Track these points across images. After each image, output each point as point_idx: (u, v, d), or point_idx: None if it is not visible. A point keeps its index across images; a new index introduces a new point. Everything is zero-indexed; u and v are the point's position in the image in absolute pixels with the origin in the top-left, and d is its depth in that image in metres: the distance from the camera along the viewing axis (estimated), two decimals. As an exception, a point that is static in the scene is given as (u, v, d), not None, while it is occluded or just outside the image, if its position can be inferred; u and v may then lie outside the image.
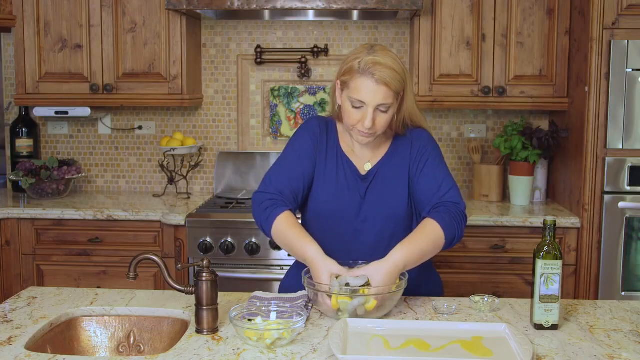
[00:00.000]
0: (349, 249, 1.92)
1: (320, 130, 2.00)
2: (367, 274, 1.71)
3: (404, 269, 1.75)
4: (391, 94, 1.82)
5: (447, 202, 1.88)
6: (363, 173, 1.97)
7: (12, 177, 3.39)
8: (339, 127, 2.02)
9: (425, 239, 1.81)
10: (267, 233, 1.89)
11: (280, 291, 2.10)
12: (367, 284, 1.71)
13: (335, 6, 3.01)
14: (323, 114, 2.07)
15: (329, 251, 1.87)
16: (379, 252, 1.88)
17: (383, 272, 1.71)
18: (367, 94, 1.81)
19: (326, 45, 3.56)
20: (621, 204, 2.89)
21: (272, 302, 1.72)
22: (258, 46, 3.57)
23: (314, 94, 3.56)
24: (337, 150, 1.99)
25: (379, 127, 1.86)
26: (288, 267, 2.96)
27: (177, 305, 1.82)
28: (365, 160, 1.99)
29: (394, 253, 1.75)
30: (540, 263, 1.66)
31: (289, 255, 2.96)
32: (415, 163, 1.95)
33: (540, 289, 1.66)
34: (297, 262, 2.10)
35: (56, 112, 3.41)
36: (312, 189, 1.98)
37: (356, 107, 1.84)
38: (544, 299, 1.67)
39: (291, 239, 1.83)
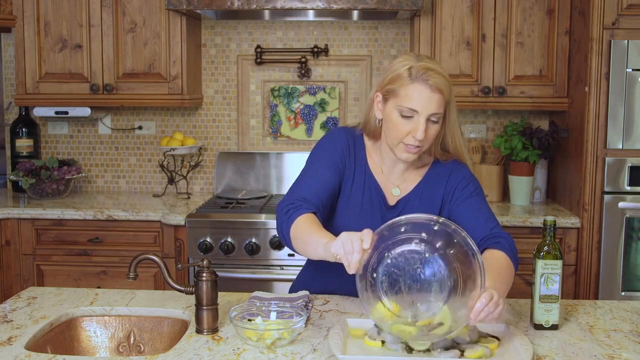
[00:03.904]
0: None
1: (348, 145, 1.86)
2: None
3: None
4: (443, 103, 1.71)
5: (498, 234, 1.77)
6: (391, 202, 1.85)
7: (12, 177, 3.39)
8: (367, 143, 1.88)
9: (503, 271, 1.66)
10: (285, 234, 1.71)
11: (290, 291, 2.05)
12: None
13: (335, 6, 3.01)
14: (350, 125, 1.94)
15: (343, 277, 1.84)
16: None
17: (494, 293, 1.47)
18: (420, 101, 1.68)
19: (326, 45, 3.56)
20: (621, 204, 2.88)
21: (272, 302, 1.72)
22: (258, 46, 3.57)
23: (314, 94, 3.56)
24: (365, 169, 1.86)
25: (428, 140, 1.73)
26: (288, 267, 2.98)
27: (177, 305, 1.82)
28: (393, 183, 1.87)
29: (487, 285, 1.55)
30: (540, 263, 1.66)
31: (289, 255, 2.96)
32: (457, 194, 1.82)
33: (540, 289, 1.66)
34: (308, 260, 2.05)
35: (56, 112, 3.41)
36: (335, 208, 1.86)
37: (406, 117, 1.70)
38: (544, 299, 1.66)
39: (310, 231, 1.62)
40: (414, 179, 1.88)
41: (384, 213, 1.84)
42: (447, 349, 1.48)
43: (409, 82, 1.69)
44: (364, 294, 1.50)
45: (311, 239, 1.60)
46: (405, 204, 1.85)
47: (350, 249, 1.45)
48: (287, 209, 1.72)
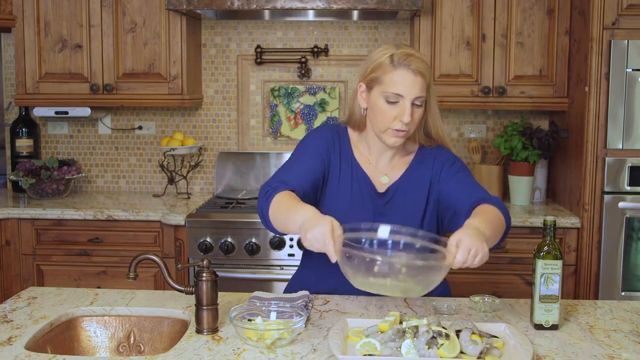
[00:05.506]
0: None
1: (333, 138, 1.91)
2: (453, 241, 1.53)
3: (485, 238, 1.58)
4: (426, 87, 1.78)
5: (487, 197, 1.79)
6: (380, 189, 1.89)
7: (12, 177, 3.39)
8: (352, 136, 1.94)
9: (491, 214, 1.70)
10: (265, 215, 1.73)
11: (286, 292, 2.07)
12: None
13: (335, 6, 3.01)
14: (337, 122, 1.99)
15: (341, 277, 1.83)
16: None
17: (469, 233, 1.54)
18: (405, 86, 1.75)
19: (326, 45, 3.56)
20: (621, 204, 2.89)
21: (272, 302, 1.72)
22: (258, 46, 3.57)
23: (314, 94, 3.56)
24: (352, 161, 1.90)
25: (414, 123, 1.79)
26: (288, 267, 2.98)
27: (177, 305, 1.82)
28: (381, 172, 1.91)
29: (469, 221, 1.62)
30: (540, 263, 1.66)
31: (289, 255, 2.97)
32: (443, 174, 1.87)
33: (540, 289, 1.66)
34: (303, 261, 2.06)
35: (56, 112, 3.41)
36: (325, 201, 1.88)
37: (391, 103, 1.77)
38: (544, 299, 1.66)
39: (287, 206, 1.66)
40: (401, 166, 1.92)
41: (374, 200, 1.88)
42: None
43: (392, 69, 1.76)
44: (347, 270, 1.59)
45: (288, 220, 1.64)
46: (396, 190, 1.89)
47: (322, 243, 1.50)
48: (265, 191, 1.76)
